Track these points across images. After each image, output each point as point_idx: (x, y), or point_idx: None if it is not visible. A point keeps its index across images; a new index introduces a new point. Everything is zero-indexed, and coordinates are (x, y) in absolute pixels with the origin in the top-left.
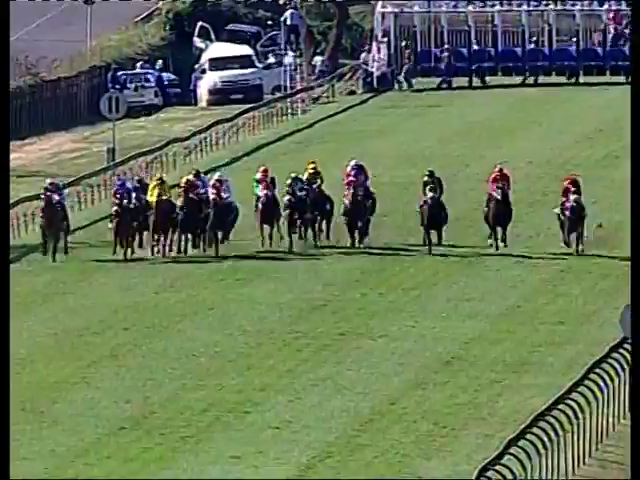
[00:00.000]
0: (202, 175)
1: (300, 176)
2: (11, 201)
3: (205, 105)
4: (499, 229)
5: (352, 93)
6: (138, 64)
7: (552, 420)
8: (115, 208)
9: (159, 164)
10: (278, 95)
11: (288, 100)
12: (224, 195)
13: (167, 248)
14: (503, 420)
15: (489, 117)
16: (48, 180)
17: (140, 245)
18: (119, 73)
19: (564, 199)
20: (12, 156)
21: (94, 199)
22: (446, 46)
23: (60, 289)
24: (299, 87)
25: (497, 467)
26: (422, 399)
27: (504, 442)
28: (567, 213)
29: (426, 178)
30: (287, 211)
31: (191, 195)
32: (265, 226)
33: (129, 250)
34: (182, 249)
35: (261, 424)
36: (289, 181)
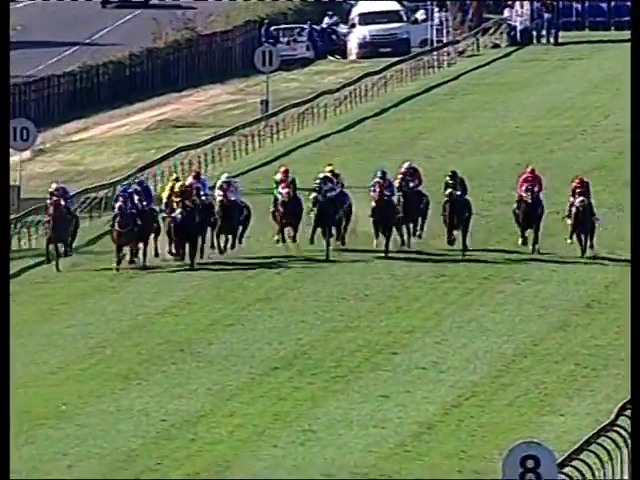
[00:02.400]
0: (202, 177)
1: (329, 176)
2: (169, 150)
3: (355, 58)
4: (530, 232)
5: (496, 46)
6: (326, 18)
7: None
8: (117, 212)
9: (310, 115)
10: (425, 49)
11: (434, 53)
12: (232, 197)
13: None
14: None
15: (628, 69)
16: (54, 185)
17: (145, 251)
18: (272, 27)
19: (572, 200)
20: (169, 107)
21: (248, 149)
22: None
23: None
24: (445, 41)
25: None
26: (564, 340)
27: None
28: (573, 215)
29: (447, 179)
30: (315, 209)
31: (187, 202)
32: (286, 229)
33: (134, 255)
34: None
35: (408, 365)
36: (318, 180)
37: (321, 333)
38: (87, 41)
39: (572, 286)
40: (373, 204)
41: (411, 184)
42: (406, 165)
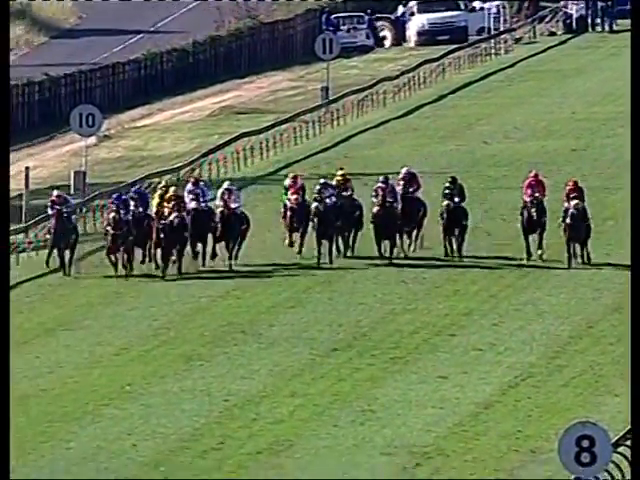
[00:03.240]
0: (201, 184)
1: (330, 182)
2: (231, 136)
3: (413, 46)
4: (534, 237)
5: (552, 34)
6: (400, 7)
7: None
8: (111, 218)
9: (370, 101)
10: (482, 36)
11: (492, 41)
12: (233, 205)
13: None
14: None
15: None
16: (55, 192)
17: (142, 261)
18: (333, 16)
19: (566, 204)
20: (232, 94)
21: (309, 134)
22: None
23: (274, 219)
24: (502, 29)
25: None
26: (618, 322)
27: None
28: (568, 220)
29: (447, 184)
30: (315, 219)
31: (179, 208)
32: (294, 235)
33: (128, 265)
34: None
35: (466, 346)
36: (318, 187)
37: (380, 315)
38: (151, 29)
39: (626, 270)
40: (375, 210)
41: (410, 189)
42: (404, 170)
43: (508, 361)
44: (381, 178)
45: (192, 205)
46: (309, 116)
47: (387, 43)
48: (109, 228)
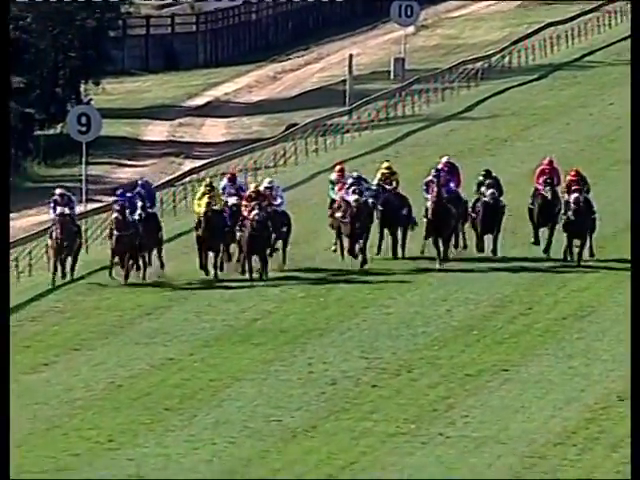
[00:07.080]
0: (239, 180)
1: (363, 176)
2: (538, 26)
3: None
4: (544, 230)
5: None
6: None
7: None
8: (115, 218)
9: None
10: None
11: None
12: (275, 203)
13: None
14: None
15: None
16: (58, 191)
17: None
18: None
19: (567, 197)
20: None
21: (611, 24)
22: None
23: (576, 103)
24: None
25: None
26: None
27: None
28: (569, 214)
29: (481, 178)
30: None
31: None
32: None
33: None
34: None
35: None
36: (350, 180)
37: None
38: None
39: None
40: (429, 204)
41: (451, 184)
42: (444, 160)
43: None
44: (433, 171)
45: (232, 200)
46: (612, 7)
47: None
48: (113, 229)
